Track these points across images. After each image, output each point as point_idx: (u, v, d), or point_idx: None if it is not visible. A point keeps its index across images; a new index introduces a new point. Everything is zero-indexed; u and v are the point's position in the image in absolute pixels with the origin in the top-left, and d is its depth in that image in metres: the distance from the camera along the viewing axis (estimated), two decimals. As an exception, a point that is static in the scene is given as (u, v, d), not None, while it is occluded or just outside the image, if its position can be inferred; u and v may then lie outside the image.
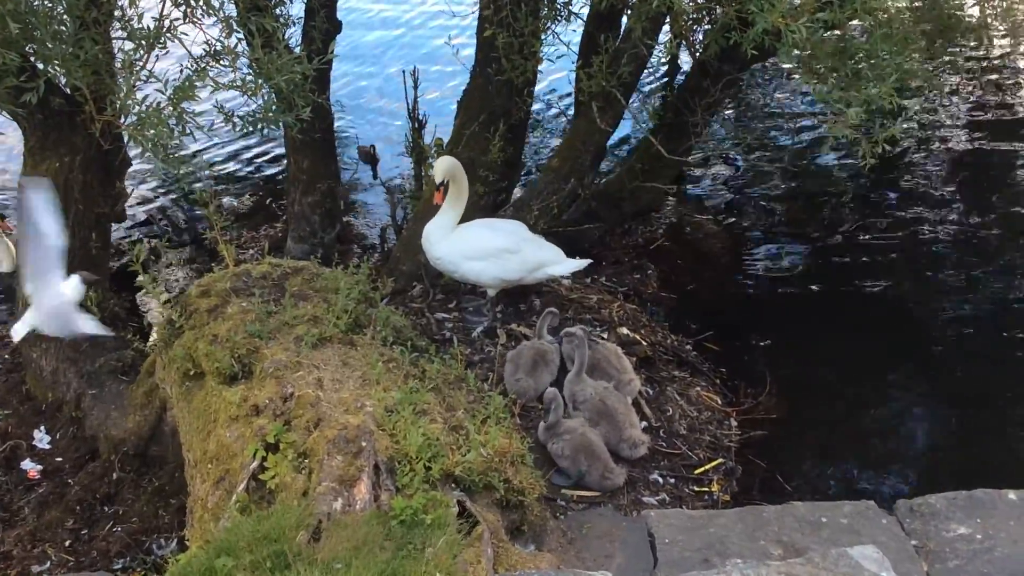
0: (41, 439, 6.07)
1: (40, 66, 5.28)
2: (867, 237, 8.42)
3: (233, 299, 5.26)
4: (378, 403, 4.45)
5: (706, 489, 5.56)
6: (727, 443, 5.96)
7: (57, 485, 5.76)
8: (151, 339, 6.23)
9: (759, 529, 4.47)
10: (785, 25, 4.92)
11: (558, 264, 6.36)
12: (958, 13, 6.43)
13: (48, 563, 5.25)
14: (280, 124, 5.82)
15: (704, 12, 7.21)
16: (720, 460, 5.77)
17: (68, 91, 5.68)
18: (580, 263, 6.41)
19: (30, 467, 5.88)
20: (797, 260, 8.21)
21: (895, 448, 6.20)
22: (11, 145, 9.77)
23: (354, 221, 8.75)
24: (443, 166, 6.15)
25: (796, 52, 5.30)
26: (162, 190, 9.33)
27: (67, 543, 5.38)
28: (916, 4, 6.45)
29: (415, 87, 7.82)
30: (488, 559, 3.89)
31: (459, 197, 6.22)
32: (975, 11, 6.77)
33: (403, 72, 8.05)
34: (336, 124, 8.03)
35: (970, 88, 10.99)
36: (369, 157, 9.69)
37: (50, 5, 5.11)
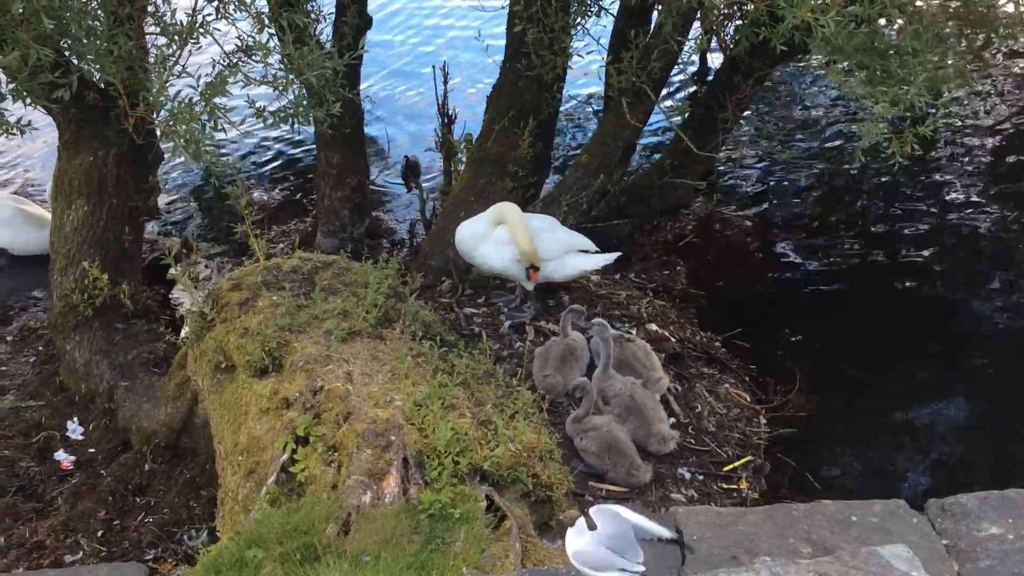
0: (74, 430, 6.14)
1: (74, 61, 5.33)
2: (898, 234, 8.35)
3: (264, 293, 5.30)
4: (407, 397, 4.48)
5: (735, 486, 5.54)
6: (756, 440, 5.94)
7: (90, 476, 5.82)
8: (183, 332, 6.28)
9: (788, 527, 4.44)
10: (814, 20, 4.90)
11: (588, 256, 6.39)
12: (991, 9, 6.35)
13: (80, 553, 5.30)
14: (310, 119, 5.85)
15: (735, 7, 7.17)
16: (749, 457, 5.75)
17: (102, 86, 5.73)
18: (609, 257, 6.43)
19: (63, 458, 5.94)
20: (827, 257, 8.15)
21: (926, 446, 6.15)
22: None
23: (383, 216, 8.77)
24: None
25: (826, 47, 5.28)
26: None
27: (99, 533, 5.44)
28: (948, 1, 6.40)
29: (445, 82, 7.83)
30: (516, 554, 3.90)
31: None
32: (1009, 7, 6.67)
33: (433, 67, 8.06)
34: (366, 119, 8.05)
35: (1003, 84, 10.86)
36: (412, 169, 9.51)
37: (84, 1, 5.16)
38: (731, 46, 7.30)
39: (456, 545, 3.72)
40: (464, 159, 7.65)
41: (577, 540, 3.45)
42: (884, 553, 3.59)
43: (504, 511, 4.10)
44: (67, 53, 5.31)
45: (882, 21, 5.46)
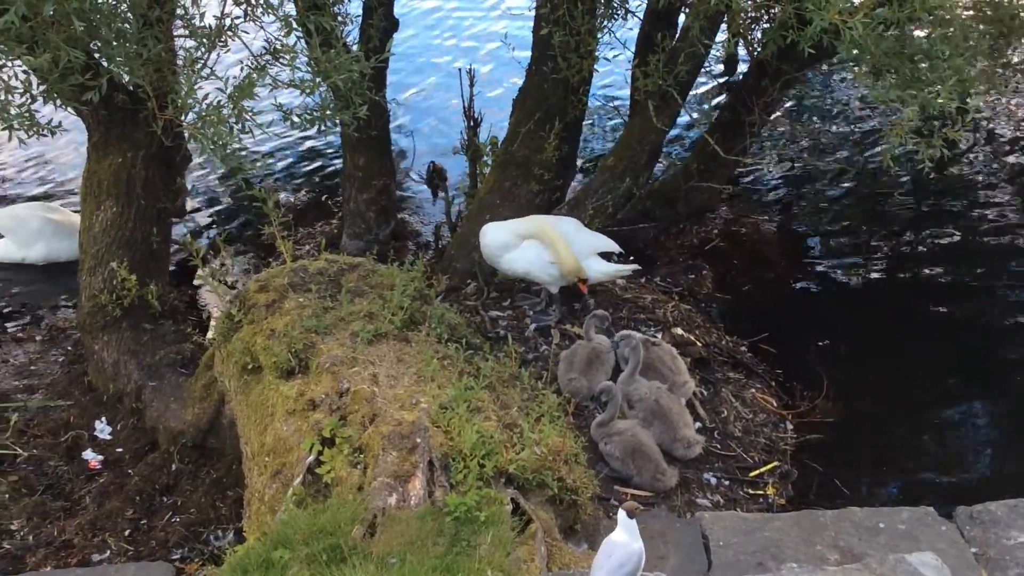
0: (102, 430, 6.18)
1: (104, 64, 5.38)
2: (926, 239, 8.30)
3: (290, 294, 5.32)
4: (433, 400, 4.48)
5: (761, 492, 5.51)
6: (783, 446, 5.91)
7: (117, 475, 5.86)
8: (210, 333, 6.31)
9: (815, 534, 4.41)
10: (842, 23, 4.88)
11: (610, 263, 6.41)
12: (1022, 15, 6.29)
13: (108, 552, 5.34)
14: (337, 122, 5.86)
15: (762, 10, 7.14)
16: (775, 463, 5.72)
17: (131, 88, 5.77)
18: (627, 268, 6.46)
19: (91, 457, 5.98)
20: (854, 261, 8.10)
21: (955, 453, 6.10)
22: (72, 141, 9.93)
23: (408, 218, 8.78)
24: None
25: (855, 51, 5.25)
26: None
27: (126, 533, 5.47)
28: (978, 6, 6.34)
29: (471, 85, 7.84)
30: (542, 557, 3.90)
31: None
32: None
33: (459, 70, 8.07)
34: (392, 122, 8.06)
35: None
36: (438, 175, 9.47)
37: (114, 3, 5.20)
38: (758, 49, 7.27)
39: (482, 548, 3.72)
40: (490, 162, 7.66)
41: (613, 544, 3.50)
42: (912, 561, 3.58)
43: (529, 514, 4.10)
44: (97, 55, 5.36)
45: (915, 23, 5.42)
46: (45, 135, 5.16)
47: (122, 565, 4.99)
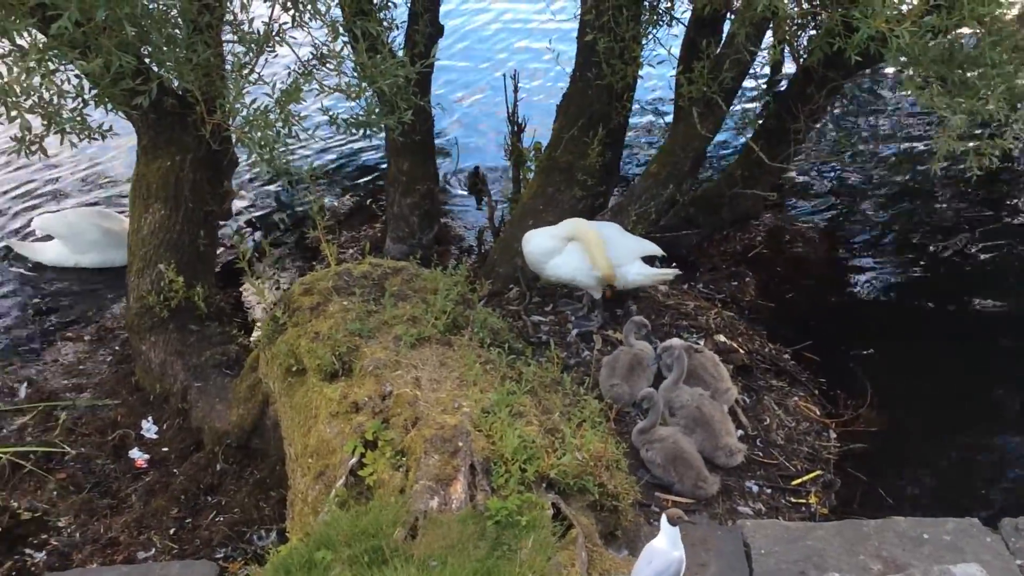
0: (149, 429, 6.26)
1: (154, 68, 5.47)
2: (973, 247, 8.19)
3: (335, 297, 5.37)
4: (475, 404, 4.50)
5: (803, 501, 5.47)
6: (826, 455, 5.86)
7: (163, 474, 5.94)
8: (255, 335, 6.37)
9: (858, 543, 4.39)
10: (889, 30, 4.84)
11: (650, 268, 6.39)
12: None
13: (153, 550, 5.41)
14: (382, 127, 5.91)
15: (808, 17, 7.10)
16: (818, 472, 5.67)
17: (180, 93, 5.85)
18: (669, 273, 6.43)
19: (138, 456, 6.07)
20: (899, 269, 8.02)
21: (1000, 464, 6.01)
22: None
23: (451, 223, 8.82)
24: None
25: (902, 58, 5.20)
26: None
27: (171, 531, 5.54)
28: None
29: (515, 90, 7.87)
30: (582, 563, 3.90)
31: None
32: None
33: (503, 75, 8.10)
34: (436, 127, 8.10)
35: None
36: (481, 180, 9.39)
37: (164, 9, 5.29)
38: (804, 56, 7.23)
39: (523, 552, 3.73)
40: (533, 167, 7.68)
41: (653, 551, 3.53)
42: (957, 572, 3.56)
43: (571, 520, 4.10)
44: (147, 60, 5.45)
45: (964, 30, 5.36)
46: (96, 139, 5.27)
47: (167, 563, 5.05)
